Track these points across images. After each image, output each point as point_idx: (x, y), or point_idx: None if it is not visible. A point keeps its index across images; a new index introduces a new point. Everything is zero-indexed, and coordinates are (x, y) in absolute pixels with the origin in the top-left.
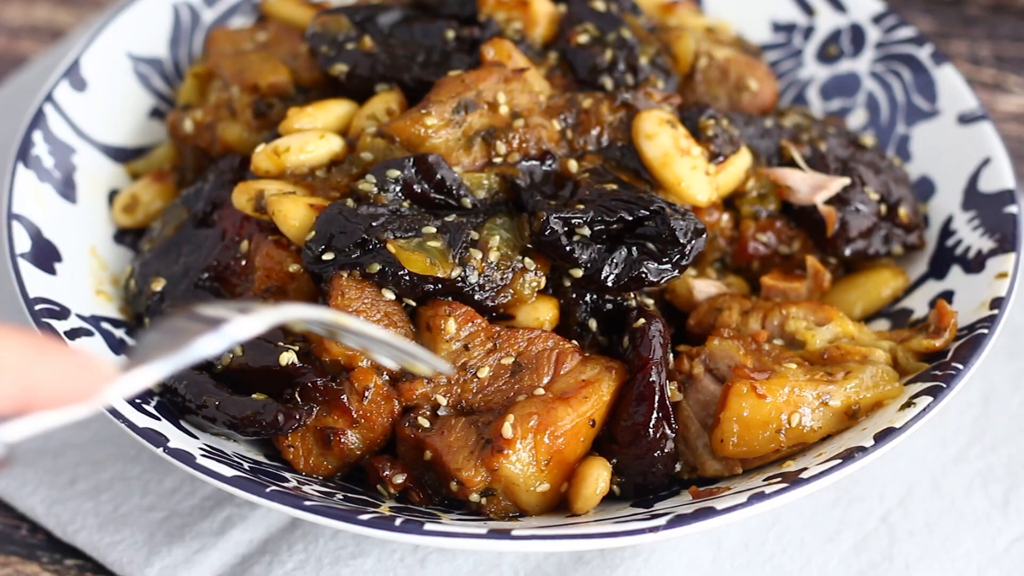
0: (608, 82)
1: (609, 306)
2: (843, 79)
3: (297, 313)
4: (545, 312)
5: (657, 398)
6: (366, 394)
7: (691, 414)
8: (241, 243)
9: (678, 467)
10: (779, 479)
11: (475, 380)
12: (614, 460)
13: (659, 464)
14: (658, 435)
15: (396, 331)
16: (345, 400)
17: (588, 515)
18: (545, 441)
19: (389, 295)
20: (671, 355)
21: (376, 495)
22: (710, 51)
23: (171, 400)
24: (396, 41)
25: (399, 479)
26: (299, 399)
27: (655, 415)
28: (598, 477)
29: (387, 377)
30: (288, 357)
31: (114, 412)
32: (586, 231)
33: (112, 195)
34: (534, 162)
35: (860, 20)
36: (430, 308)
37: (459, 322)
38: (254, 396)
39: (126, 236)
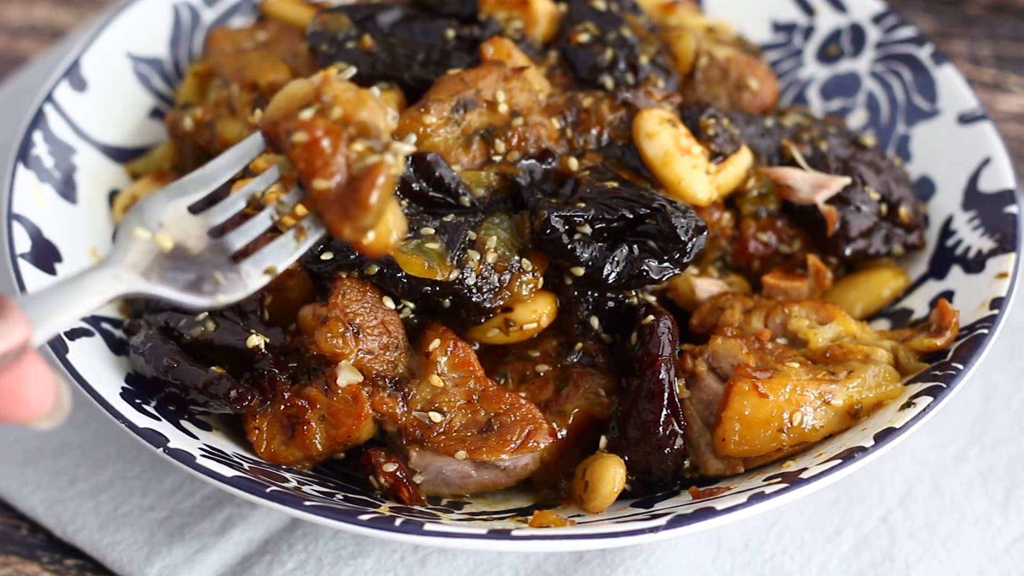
0: (608, 81)
1: (611, 304)
2: (843, 79)
3: None
4: (543, 307)
5: (666, 395)
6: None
7: (694, 412)
8: None
9: (686, 463)
10: (779, 479)
11: (444, 424)
12: (624, 457)
13: (669, 460)
14: (668, 432)
15: (389, 341)
16: (315, 391)
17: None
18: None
19: (389, 303)
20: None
21: (374, 494)
22: (710, 51)
23: (134, 355)
24: (396, 40)
25: (390, 467)
26: (252, 384)
27: (664, 412)
28: (614, 475)
29: (363, 379)
30: (255, 341)
31: (114, 412)
32: (587, 229)
33: (112, 195)
34: (534, 160)
35: (860, 20)
36: (434, 335)
37: (453, 364)
38: (213, 368)
39: None
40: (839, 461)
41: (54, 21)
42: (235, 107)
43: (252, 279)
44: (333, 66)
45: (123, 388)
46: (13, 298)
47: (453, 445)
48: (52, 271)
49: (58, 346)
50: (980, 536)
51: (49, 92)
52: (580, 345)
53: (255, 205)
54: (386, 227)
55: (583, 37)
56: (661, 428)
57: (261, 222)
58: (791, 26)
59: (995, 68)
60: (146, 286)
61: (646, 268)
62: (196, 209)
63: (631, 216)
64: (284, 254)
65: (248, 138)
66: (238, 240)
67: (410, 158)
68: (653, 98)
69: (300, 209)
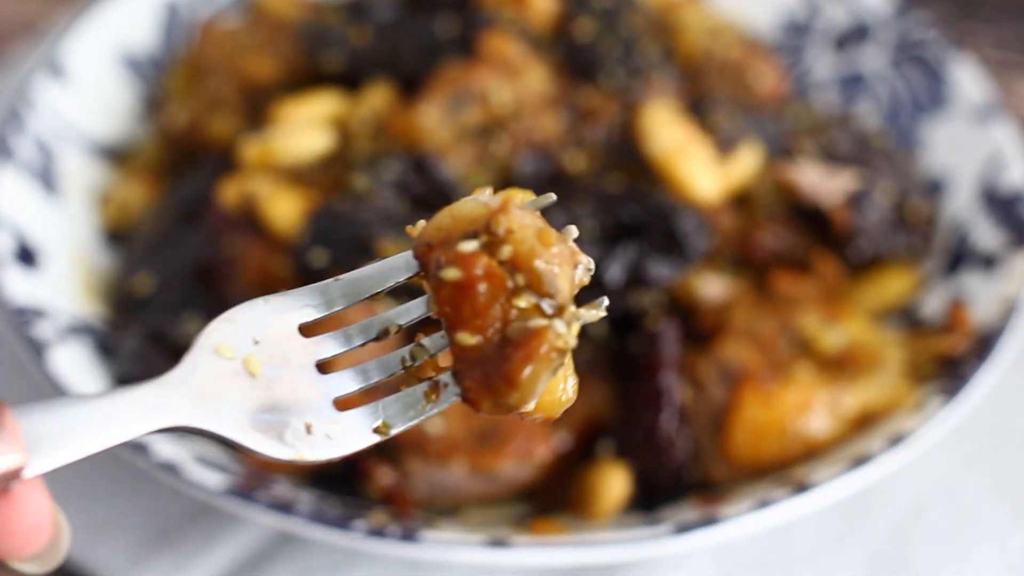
0: (609, 77)
1: (612, 306)
2: (854, 74)
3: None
4: None
5: (670, 400)
6: None
7: (699, 418)
8: (229, 240)
9: (692, 470)
10: (788, 486)
11: (441, 432)
12: (627, 464)
13: (673, 467)
14: (671, 438)
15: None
16: None
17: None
18: None
19: None
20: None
21: (368, 503)
22: (715, 45)
23: (121, 359)
24: (391, 34)
25: (387, 480)
26: None
27: (668, 417)
28: (616, 483)
29: None
30: None
31: None
32: (588, 229)
33: (99, 193)
34: (532, 159)
35: (871, 14)
36: None
37: None
38: None
39: (114, 235)
40: (849, 468)
41: (40, 15)
42: (226, 103)
43: (356, 436)
44: (516, 189)
45: None
46: (16, 411)
47: (451, 453)
48: (37, 272)
49: (39, 347)
50: (996, 545)
51: (34, 88)
52: (581, 349)
53: (383, 337)
54: (554, 396)
55: (583, 32)
56: (665, 434)
57: (389, 365)
58: (799, 20)
59: (1011, 63)
60: (210, 423)
61: (649, 269)
62: (307, 331)
63: (633, 215)
64: (406, 412)
65: (397, 255)
66: (352, 382)
67: (406, 155)
68: (655, 94)
69: (443, 360)
